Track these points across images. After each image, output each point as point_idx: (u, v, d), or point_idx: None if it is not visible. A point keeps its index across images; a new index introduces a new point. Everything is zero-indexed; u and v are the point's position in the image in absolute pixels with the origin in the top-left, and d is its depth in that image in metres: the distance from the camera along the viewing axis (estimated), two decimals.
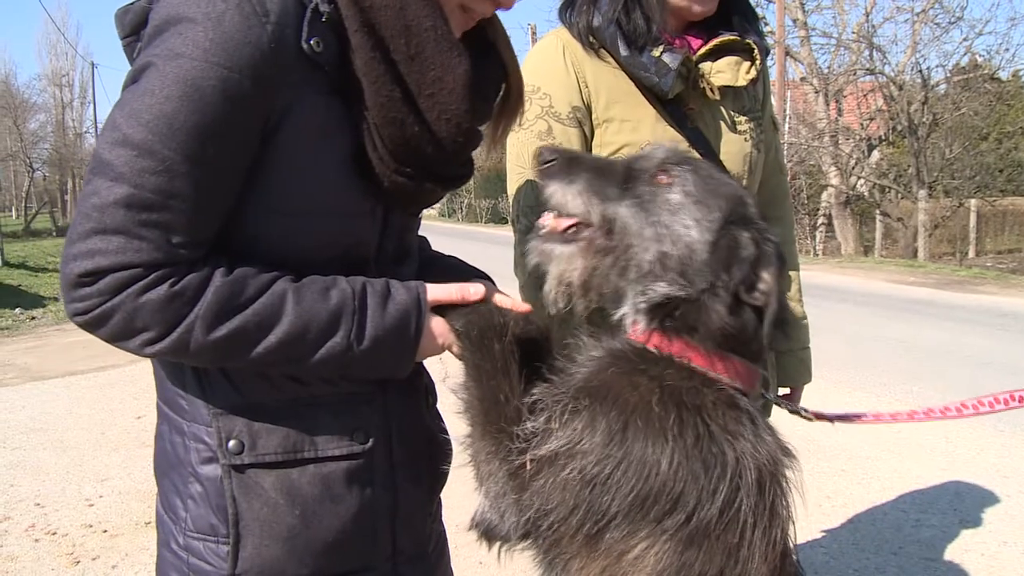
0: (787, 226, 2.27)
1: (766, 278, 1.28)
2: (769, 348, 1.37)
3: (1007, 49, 25.92)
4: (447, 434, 1.54)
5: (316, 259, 1.28)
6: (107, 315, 1.13)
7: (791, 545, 1.32)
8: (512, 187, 1.97)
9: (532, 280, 1.88)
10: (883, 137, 21.54)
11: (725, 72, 1.90)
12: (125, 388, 7.52)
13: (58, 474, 5.30)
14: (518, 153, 1.94)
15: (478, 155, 1.54)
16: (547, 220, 1.38)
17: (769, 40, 2.01)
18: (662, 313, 1.30)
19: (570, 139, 1.89)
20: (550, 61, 1.92)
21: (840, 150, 21.27)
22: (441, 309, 1.37)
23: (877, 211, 21.98)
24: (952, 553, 4.05)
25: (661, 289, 1.28)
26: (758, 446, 1.24)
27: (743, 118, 1.99)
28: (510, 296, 1.44)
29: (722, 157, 1.94)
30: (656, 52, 1.83)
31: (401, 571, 1.45)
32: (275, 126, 1.19)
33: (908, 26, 20.53)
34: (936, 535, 4.25)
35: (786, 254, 1.39)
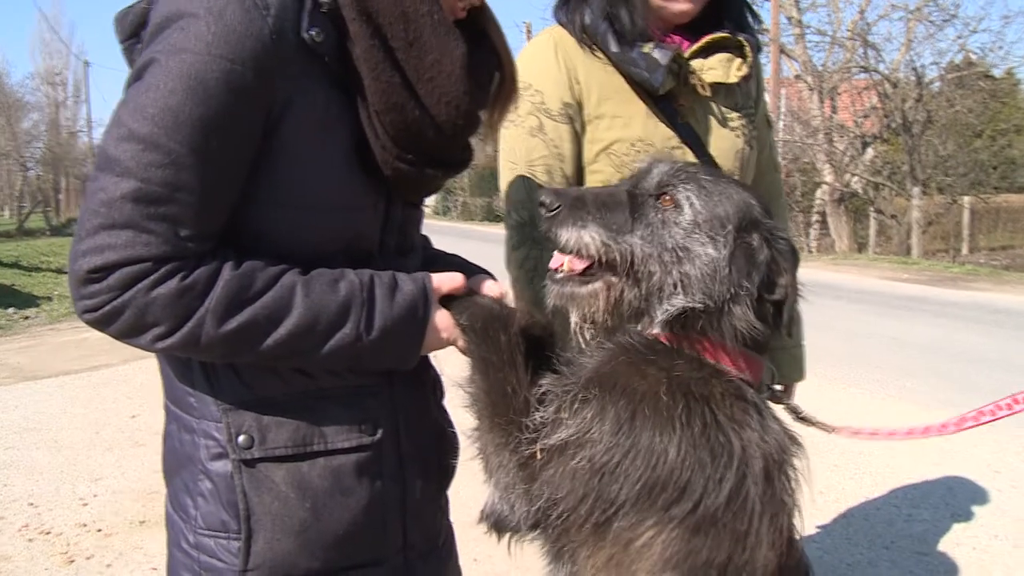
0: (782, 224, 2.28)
1: (784, 275, 1.32)
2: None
3: (1001, 47, 26.07)
4: (454, 428, 1.55)
5: (320, 253, 1.29)
6: (118, 311, 1.13)
7: (796, 533, 1.33)
8: (504, 182, 1.99)
9: (525, 274, 1.90)
10: (877, 134, 21.56)
11: (716, 69, 1.91)
12: (119, 388, 7.50)
13: (52, 474, 5.28)
14: (510, 148, 1.95)
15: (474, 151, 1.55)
16: (561, 262, 1.37)
17: (763, 37, 2.01)
18: (681, 322, 1.32)
19: (560, 135, 1.91)
20: (542, 58, 1.93)
21: (834, 147, 21.28)
22: (446, 303, 1.38)
23: (871, 208, 22.01)
24: (944, 547, 4.07)
25: (678, 302, 1.30)
26: (765, 435, 1.27)
27: (735, 114, 2.00)
28: (511, 292, 1.45)
29: (713, 153, 1.95)
30: (647, 48, 1.84)
31: (412, 564, 1.46)
32: (277, 118, 1.20)
33: (902, 24, 20.61)
34: (928, 529, 4.27)
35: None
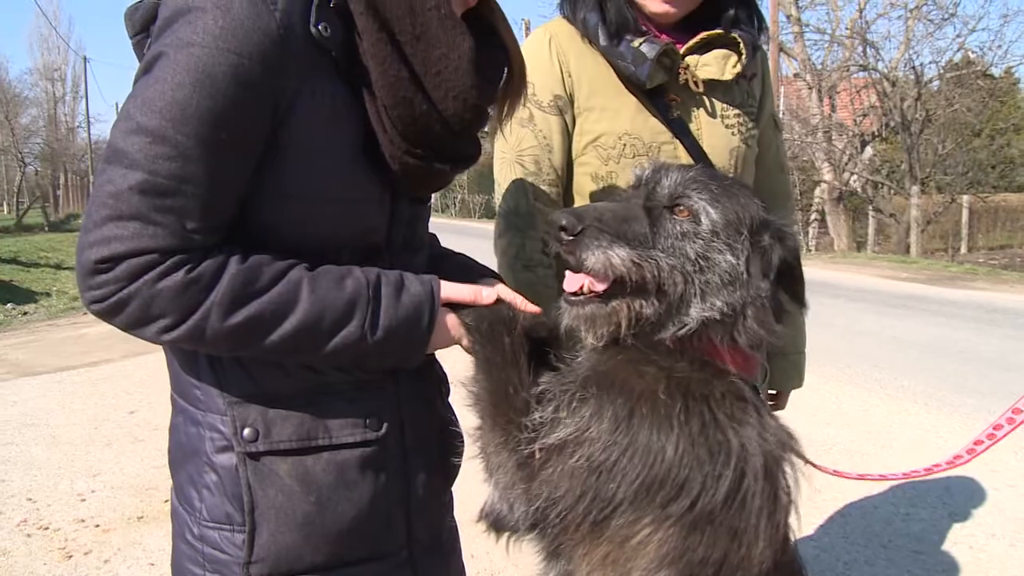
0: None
1: (796, 269, 1.35)
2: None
3: (1000, 46, 26.15)
4: (459, 425, 1.56)
5: (327, 247, 1.29)
6: (124, 302, 1.14)
7: (791, 531, 1.34)
8: (497, 170, 2.03)
9: (507, 261, 1.93)
10: (876, 133, 21.58)
11: (711, 66, 1.92)
12: (118, 383, 7.51)
13: (50, 469, 5.29)
14: (503, 138, 1.98)
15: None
16: (581, 284, 1.32)
17: (762, 36, 2.01)
18: (696, 332, 1.31)
19: (550, 126, 1.95)
20: (535, 51, 1.97)
21: (833, 146, 21.30)
22: (451, 303, 1.38)
23: (870, 207, 22.05)
24: (941, 546, 4.08)
25: (696, 314, 1.30)
26: (764, 433, 1.27)
27: (732, 112, 2.00)
28: (519, 295, 1.45)
29: (706, 149, 1.95)
30: (636, 43, 1.86)
31: (416, 558, 1.46)
32: (285, 112, 1.21)
33: (901, 22, 20.60)
34: (925, 528, 4.28)
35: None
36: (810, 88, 21.63)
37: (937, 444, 5.44)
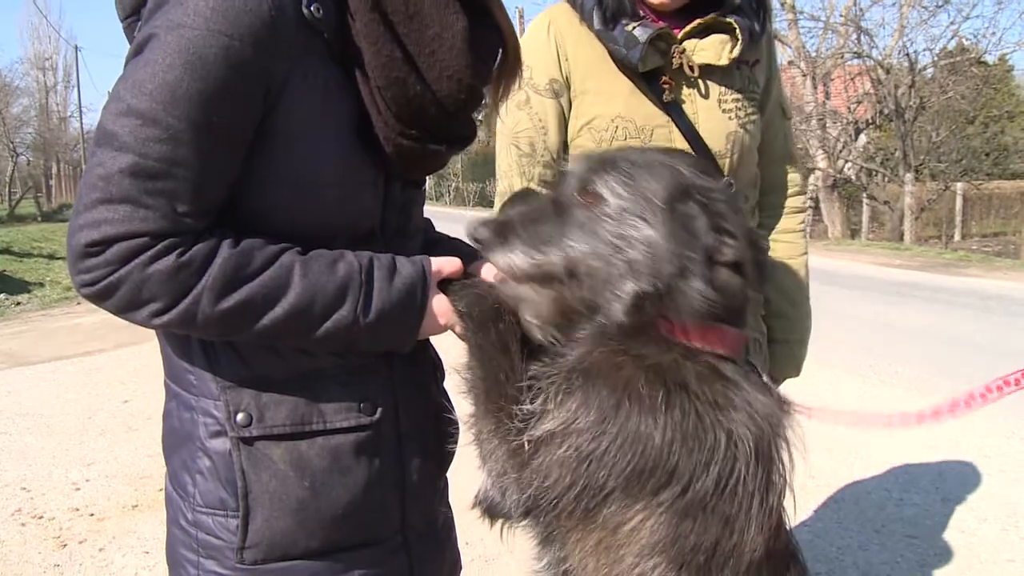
0: (782, 216, 2.23)
1: (729, 234, 1.28)
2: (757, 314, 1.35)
3: (994, 33, 25.94)
4: (454, 411, 1.55)
5: (321, 231, 1.29)
6: (115, 286, 1.13)
7: (785, 515, 1.33)
8: (497, 152, 2.10)
9: None
10: (870, 120, 21.55)
11: (707, 50, 1.93)
12: (111, 373, 7.50)
13: (44, 458, 5.29)
14: (502, 121, 2.06)
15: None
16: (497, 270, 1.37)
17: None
18: (643, 307, 1.28)
19: (545, 109, 2.00)
20: (535, 36, 2.02)
21: (827, 133, 21.29)
22: (444, 288, 1.38)
23: (864, 194, 22.06)
24: (934, 531, 4.11)
25: (637, 288, 1.27)
26: (753, 413, 1.25)
27: (730, 96, 2.00)
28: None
29: (702, 133, 1.96)
30: (630, 27, 1.88)
31: (411, 544, 1.46)
32: (277, 94, 1.20)
33: (896, 9, 20.51)
34: (918, 513, 4.30)
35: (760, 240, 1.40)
36: (804, 75, 21.58)
37: (929, 429, 5.46)
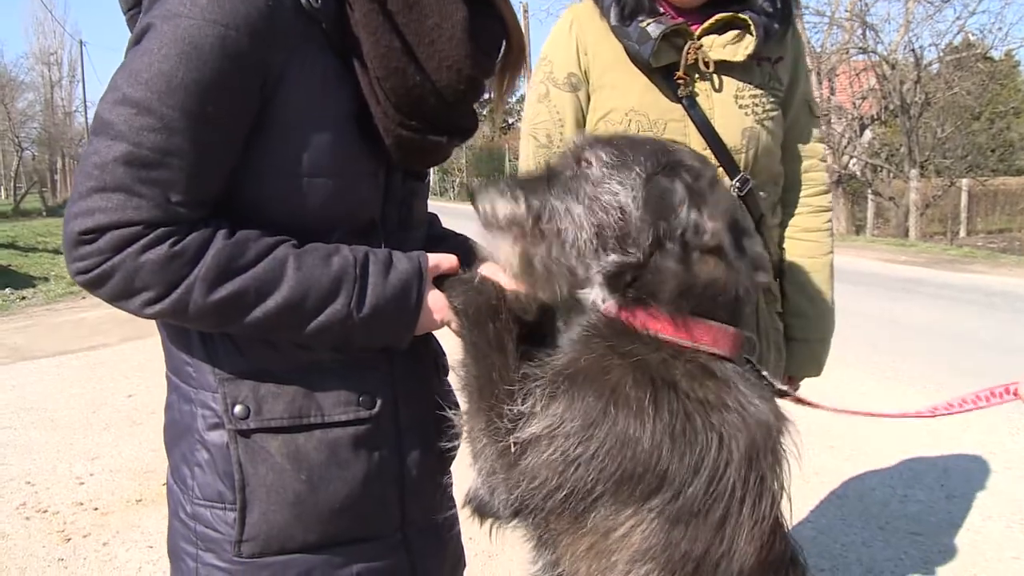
0: (805, 214, 2.22)
1: (709, 215, 1.24)
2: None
3: (1000, 28, 26.03)
4: (453, 408, 1.54)
5: (320, 223, 1.28)
6: (108, 274, 1.13)
7: (783, 519, 1.30)
8: (521, 143, 2.23)
9: None
10: (875, 116, 21.49)
11: (724, 46, 1.94)
12: (116, 367, 7.50)
13: (49, 453, 5.30)
14: (525, 113, 2.18)
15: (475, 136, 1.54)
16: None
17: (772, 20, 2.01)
18: (621, 284, 1.27)
19: (563, 102, 2.06)
20: (558, 32, 2.10)
21: (832, 129, 21.20)
22: (440, 284, 1.37)
23: (869, 190, 22.00)
24: (938, 527, 4.09)
25: (612, 258, 1.26)
26: (746, 416, 1.22)
27: (748, 92, 2.00)
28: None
29: (717, 128, 1.97)
30: (645, 23, 1.90)
31: (411, 540, 1.45)
32: (275, 85, 1.19)
33: (901, 5, 20.44)
34: (923, 510, 4.29)
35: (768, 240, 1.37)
36: (809, 71, 21.43)
37: (933, 425, 5.44)
